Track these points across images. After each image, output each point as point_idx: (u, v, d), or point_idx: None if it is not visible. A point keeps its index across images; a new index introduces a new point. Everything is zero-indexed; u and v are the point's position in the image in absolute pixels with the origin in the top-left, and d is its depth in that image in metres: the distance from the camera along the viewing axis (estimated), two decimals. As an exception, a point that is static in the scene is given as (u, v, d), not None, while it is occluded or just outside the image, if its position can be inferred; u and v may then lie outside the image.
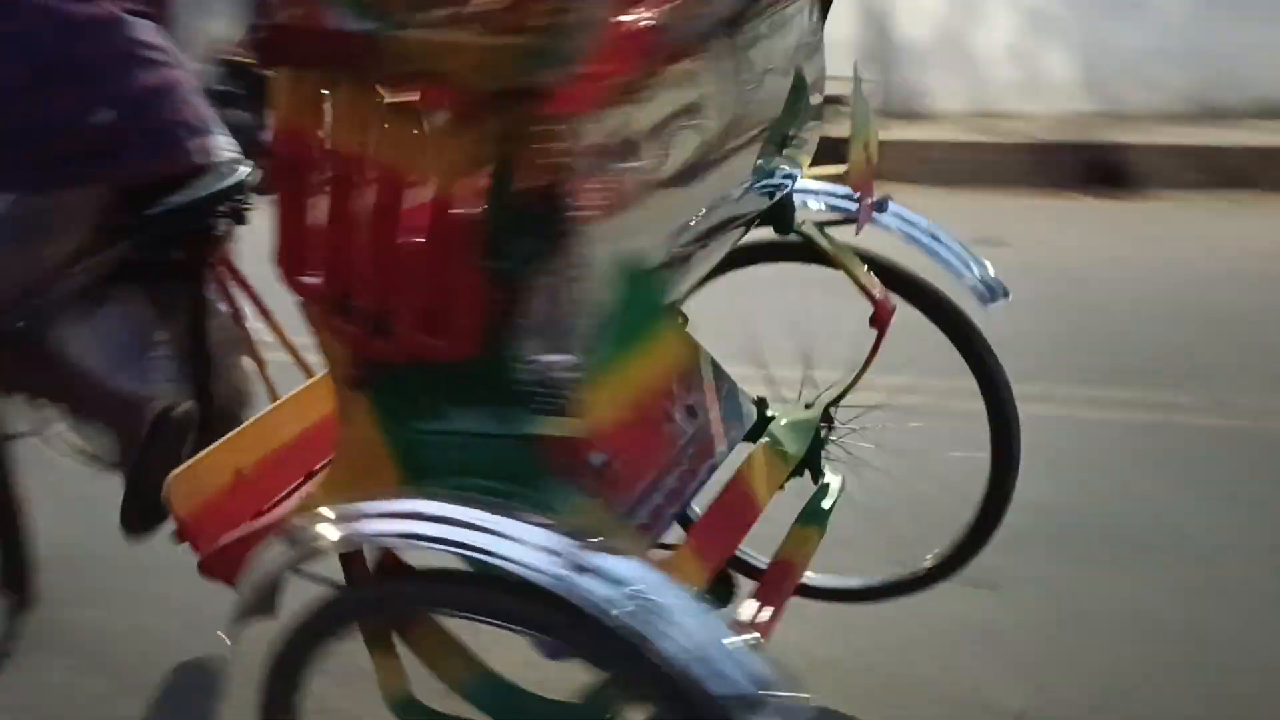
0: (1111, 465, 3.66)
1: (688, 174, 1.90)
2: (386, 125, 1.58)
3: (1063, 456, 3.71)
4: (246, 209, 2.93)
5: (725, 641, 1.43)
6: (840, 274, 2.72)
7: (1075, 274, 6.23)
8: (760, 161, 2.31)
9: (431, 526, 1.54)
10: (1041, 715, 2.79)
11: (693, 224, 2.03)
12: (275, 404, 2.67)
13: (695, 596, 1.54)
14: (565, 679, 1.68)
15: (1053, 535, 3.41)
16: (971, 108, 11.40)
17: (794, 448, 2.60)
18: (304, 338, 1.88)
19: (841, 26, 11.45)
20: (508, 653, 1.84)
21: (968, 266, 2.99)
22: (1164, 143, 9.43)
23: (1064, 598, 3.34)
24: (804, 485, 2.63)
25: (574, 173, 1.51)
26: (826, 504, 2.72)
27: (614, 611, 1.39)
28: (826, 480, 2.79)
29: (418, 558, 1.74)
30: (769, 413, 2.73)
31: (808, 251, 2.78)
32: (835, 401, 2.88)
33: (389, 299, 1.63)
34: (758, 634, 2.07)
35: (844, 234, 2.73)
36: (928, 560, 3.08)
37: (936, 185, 9.42)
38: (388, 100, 1.57)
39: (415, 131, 1.59)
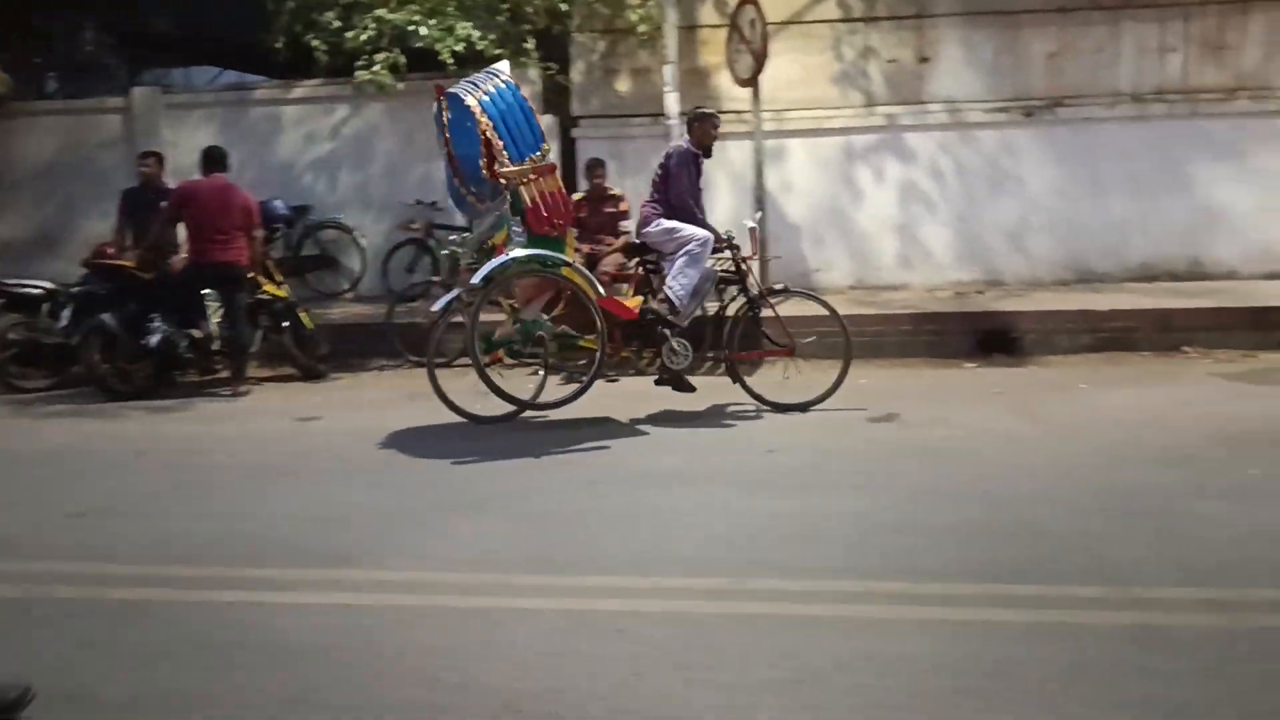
0: (1025, 677, 3.15)
1: None
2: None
3: (963, 664, 3.20)
4: None
5: None
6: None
7: (969, 453, 5.87)
8: None
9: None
10: None
11: None
12: None
13: None
14: None
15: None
16: (856, 281, 11.33)
17: None
18: None
19: (726, 206, 11.43)
20: None
21: None
22: (1044, 309, 9.31)
23: None
24: None
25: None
26: None
27: None
28: None
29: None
30: None
31: None
32: None
33: None
34: None
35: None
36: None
37: (825, 358, 9.14)
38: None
39: None
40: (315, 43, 10.13)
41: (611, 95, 11.38)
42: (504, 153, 6.44)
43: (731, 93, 10.65)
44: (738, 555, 4.29)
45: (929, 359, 9.01)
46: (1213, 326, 8.88)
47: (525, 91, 11.21)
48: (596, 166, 9.16)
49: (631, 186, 10.30)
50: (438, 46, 9.77)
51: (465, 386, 6.95)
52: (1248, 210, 10.56)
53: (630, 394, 7.55)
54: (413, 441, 6.50)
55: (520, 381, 7.33)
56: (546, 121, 11.40)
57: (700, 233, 7.07)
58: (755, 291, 7.24)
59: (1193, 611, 3.63)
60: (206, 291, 8.43)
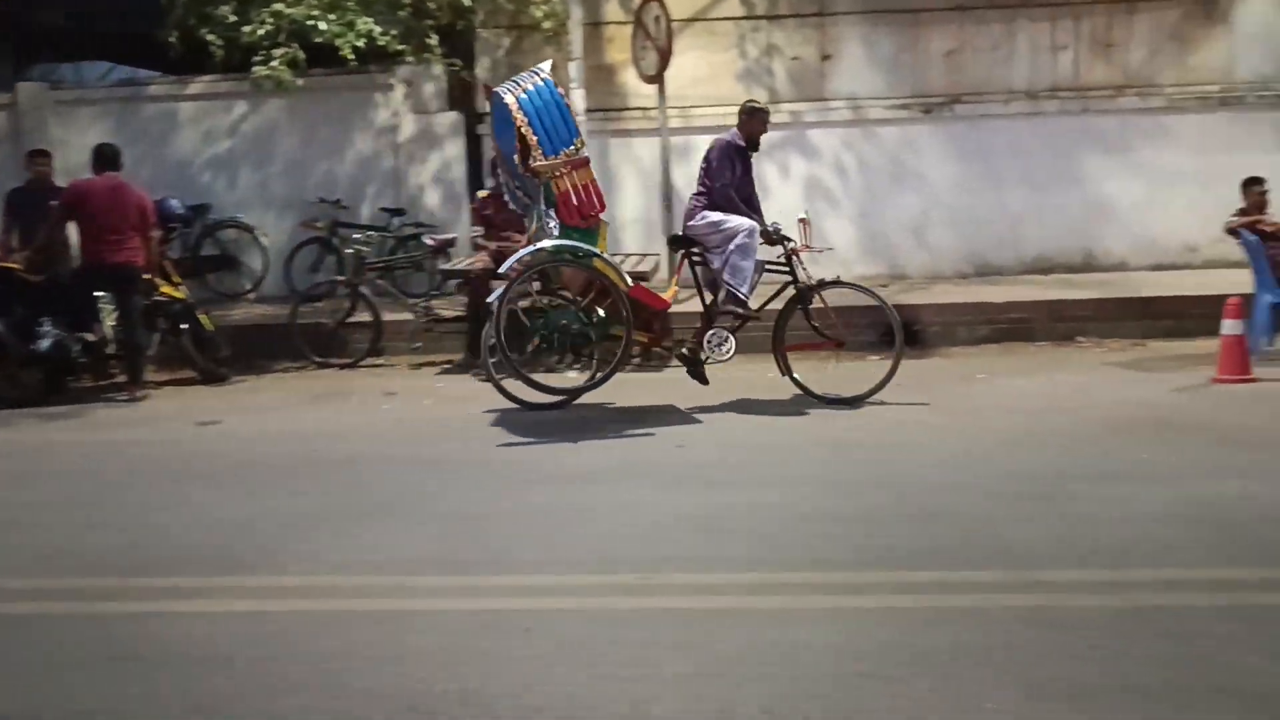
0: (928, 661, 3.21)
1: None
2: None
3: (867, 650, 3.27)
4: None
5: None
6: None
7: (876, 443, 5.97)
8: None
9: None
10: None
11: None
12: None
13: None
14: None
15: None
16: (762, 276, 11.43)
17: None
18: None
19: (635, 203, 11.45)
20: None
21: None
22: (945, 302, 9.52)
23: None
24: None
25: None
26: None
27: None
28: None
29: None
30: None
31: None
32: None
33: None
34: None
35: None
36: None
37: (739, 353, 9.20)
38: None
39: None
40: (210, 37, 9.87)
41: (517, 92, 11.31)
42: (538, 147, 6.63)
43: (637, 89, 10.69)
44: (648, 551, 4.30)
45: (836, 352, 9.11)
46: (1104, 316, 9.18)
47: (428, 88, 11.28)
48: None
49: (539, 183, 10.27)
50: (338, 42, 9.60)
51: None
52: (1136, 204, 10.93)
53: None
54: (317, 444, 6.38)
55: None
56: (451, 118, 11.34)
57: (746, 222, 7.03)
58: (804, 283, 7.17)
59: (1087, 592, 3.74)
60: (100, 294, 8.15)
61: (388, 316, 9.14)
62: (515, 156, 6.88)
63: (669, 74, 9.92)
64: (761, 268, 7.13)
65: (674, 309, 7.46)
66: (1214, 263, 9.98)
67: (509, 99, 6.70)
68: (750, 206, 7.26)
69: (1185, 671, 3.11)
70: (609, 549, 4.34)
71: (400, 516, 4.90)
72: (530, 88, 6.75)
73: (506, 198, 7.90)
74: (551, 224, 6.78)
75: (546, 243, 6.77)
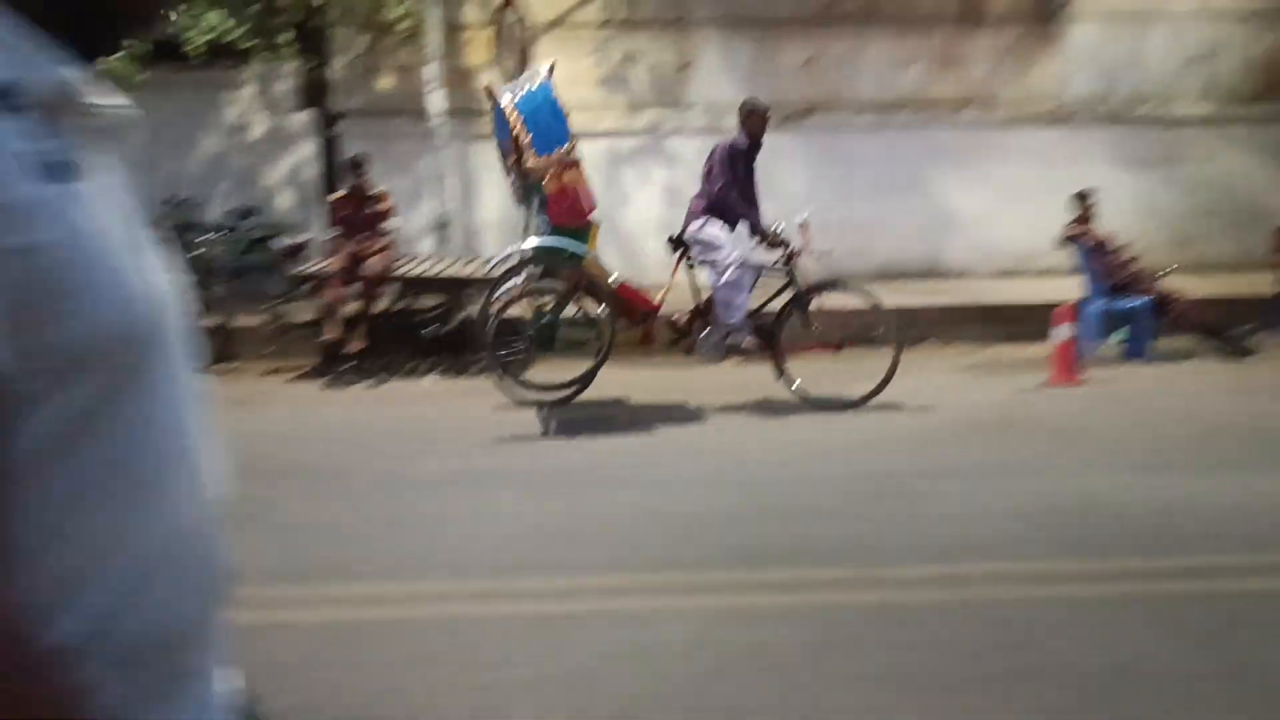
0: (776, 658, 3.29)
1: None
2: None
3: (718, 650, 3.34)
4: None
5: None
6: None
7: (732, 444, 6.09)
8: None
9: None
10: None
11: None
12: None
13: None
14: None
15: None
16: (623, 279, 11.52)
17: None
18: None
19: (496, 207, 11.38)
20: None
21: None
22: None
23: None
24: None
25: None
26: None
27: None
28: None
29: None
30: None
31: None
32: None
33: None
34: None
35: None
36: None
37: (580, 357, 9.25)
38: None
39: None
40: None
41: (374, 92, 11.12)
42: (531, 147, 6.77)
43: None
44: (503, 556, 4.28)
45: (694, 357, 9.24)
46: (949, 322, 9.54)
47: (280, 87, 10.98)
48: (358, 165, 8.91)
49: (398, 186, 10.11)
50: (185, 36, 9.27)
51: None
52: (978, 214, 11.41)
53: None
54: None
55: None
56: (304, 118, 11.07)
57: (736, 255, 7.05)
58: (802, 286, 7.21)
59: (928, 588, 3.89)
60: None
61: (237, 321, 8.85)
62: (510, 155, 7.07)
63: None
64: (760, 271, 7.25)
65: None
66: (1051, 271, 10.48)
67: (505, 100, 6.88)
68: (751, 206, 7.31)
69: (1013, 659, 3.26)
70: (462, 555, 4.30)
71: (244, 526, 4.74)
72: (526, 89, 6.93)
73: (514, 197, 7.92)
74: (541, 222, 6.97)
75: (532, 240, 6.93)
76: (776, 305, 7.29)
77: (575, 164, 6.96)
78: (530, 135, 6.77)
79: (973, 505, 4.79)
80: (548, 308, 7.15)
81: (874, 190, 11.39)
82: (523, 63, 9.71)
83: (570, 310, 7.13)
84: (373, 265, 8.33)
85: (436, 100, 9.90)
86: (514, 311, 7.11)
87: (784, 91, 11.42)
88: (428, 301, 8.96)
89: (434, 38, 10.00)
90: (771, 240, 7.18)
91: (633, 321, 7.27)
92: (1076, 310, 7.92)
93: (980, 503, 4.82)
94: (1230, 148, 11.22)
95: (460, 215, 11.30)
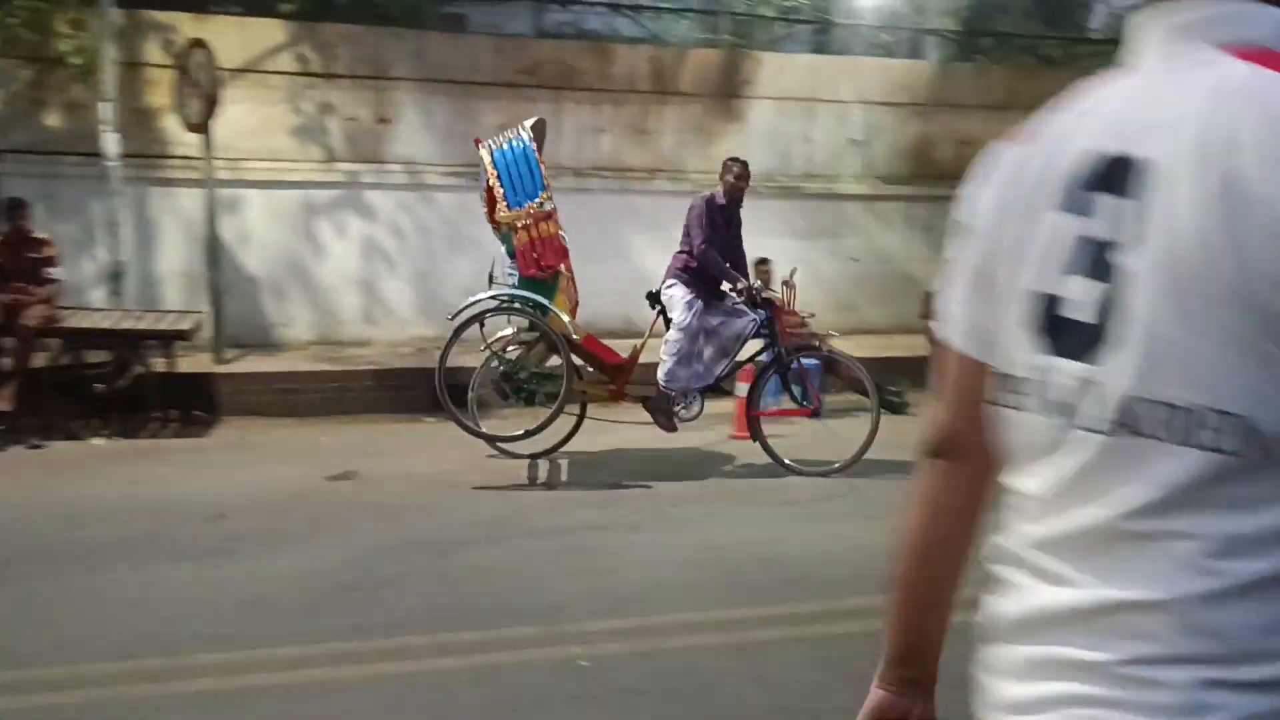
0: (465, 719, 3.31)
1: None
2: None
3: (406, 717, 3.32)
4: None
5: None
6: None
7: (422, 505, 6.04)
8: None
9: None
10: None
11: None
12: None
13: None
14: None
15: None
16: (319, 336, 11.20)
17: None
18: None
19: (178, 257, 10.76)
20: None
21: None
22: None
23: None
24: None
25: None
26: None
27: None
28: None
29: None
30: None
31: None
32: None
33: None
34: None
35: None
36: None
37: (287, 416, 8.92)
38: None
39: None
40: None
41: (41, 129, 10.27)
42: (503, 199, 6.86)
43: (182, 137, 10.10)
44: (177, 631, 4.03)
45: (392, 414, 9.11)
46: (642, 379, 9.89)
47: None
48: (18, 207, 8.18)
49: (65, 231, 9.39)
50: None
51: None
52: (669, 276, 11.97)
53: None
54: None
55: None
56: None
57: (682, 318, 6.88)
58: (782, 349, 6.98)
59: (614, 640, 4.01)
60: None
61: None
62: (484, 208, 7.15)
63: (217, 124, 9.48)
64: (744, 335, 7.00)
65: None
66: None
67: (483, 154, 7.01)
68: (735, 268, 7.09)
69: (694, 704, 3.43)
70: (132, 632, 4.01)
71: None
72: (505, 144, 7.02)
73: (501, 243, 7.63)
74: (510, 274, 7.07)
75: (491, 291, 7.09)
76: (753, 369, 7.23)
77: (548, 216, 7.00)
78: (503, 188, 6.89)
79: (654, 556, 4.99)
80: (512, 357, 7.13)
81: (572, 250, 11.69)
82: (210, 107, 9.29)
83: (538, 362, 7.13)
84: (31, 316, 7.64)
85: (111, 141, 9.27)
86: (467, 360, 7.21)
87: (483, 152, 11.58)
88: (98, 357, 8.33)
89: (110, 75, 9.39)
90: (751, 299, 7.00)
91: (605, 374, 7.27)
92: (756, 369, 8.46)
93: (663, 554, 5.03)
94: (884, 223, 12.44)
95: (137, 264, 10.60)
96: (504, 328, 7.36)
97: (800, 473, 6.72)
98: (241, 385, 9.07)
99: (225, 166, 10.31)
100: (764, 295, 7.02)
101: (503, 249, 7.27)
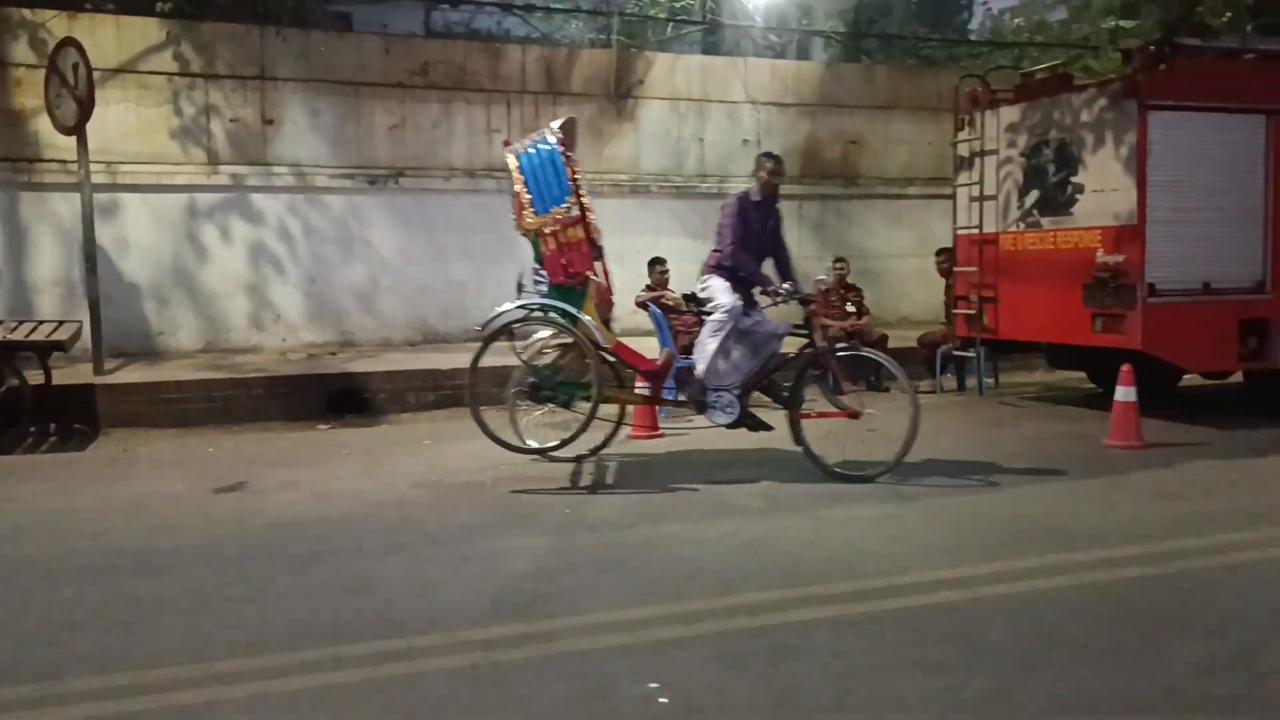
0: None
1: None
2: None
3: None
4: None
5: None
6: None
7: (315, 515, 5.88)
8: None
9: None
10: None
11: None
12: None
13: None
14: None
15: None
16: (206, 344, 10.86)
17: None
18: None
19: (53, 264, 10.31)
20: None
21: None
22: (394, 369, 9.66)
23: None
24: None
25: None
26: None
27: None
28: None
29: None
30: None
31: None
32: None
33: None
34: None
35: None
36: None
37: (172, 427, 8.63)
38: None
39: None
40: None
41: (-101, 132, 9.76)
42: (530, 205, 6.64)
43: (55, 140, 9.70)
44: (54, 654, 3.84)
45: (284, 422, 8.89)
46: (539, 380, 9.83)
47: None
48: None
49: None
50: None
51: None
52: (565, 277, 11.91)
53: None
54: None
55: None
56: None
57: (727, 299, 6.54)
58: (821, 349, 6.60)
59: (510, 646, 3.95)
60: None
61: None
62: (512, 213, 6.86)
63: (92, 126, 9.11)
64: (778, 334, 6.66)
65: None
66: (630, 331, 11.15)
67: (510, 159, 6.81)
68: (778, 263, 6.83)
69: (590, 708, 3.40)
70: (6, 655, 3.81)
71: None
72: (532, 148, 6.79)
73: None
74: (539, 281, 6.82)
75: (520, 301, 6.86)
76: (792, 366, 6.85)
77: (575, 221, 6.67)
78: (530, 194, 6.66)
79: (549, 560, 4.94)
80: (544, 364, 6.86)
81: (467, 252, 11.58)
82: (84, 109, 8.92)
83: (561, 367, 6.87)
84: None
85: (-22, 146, 8.85)
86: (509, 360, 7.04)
87: (373, 154, 11.39)
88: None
89: (-25, 76, 8.96)
90: (781, 299, 6.64)
91: (642, 379, 7.07)
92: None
93: (558, 558, 4.99)
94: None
95: (8, 273, 10.15)
96: (539, 329, 7.04)
97: (846, 478, 6.39)
98: (123, 396, 8.75)
99: (102, 170, 9.95)
100: (801, 293, 6.64)
101: (531, 256, 7.02)
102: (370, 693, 3.54)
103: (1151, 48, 8.42)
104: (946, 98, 10.37)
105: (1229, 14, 10.48)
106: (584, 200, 6.96)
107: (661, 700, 3.45)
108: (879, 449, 6.52)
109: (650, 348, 7.24)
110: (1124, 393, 7.43)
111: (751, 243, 6.69)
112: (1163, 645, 3.89)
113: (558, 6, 15.08)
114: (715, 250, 6.80)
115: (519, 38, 15.41)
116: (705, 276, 6.81)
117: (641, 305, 9.33)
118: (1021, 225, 9.15)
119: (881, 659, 3.77)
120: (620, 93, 12.34)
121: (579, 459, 7.01)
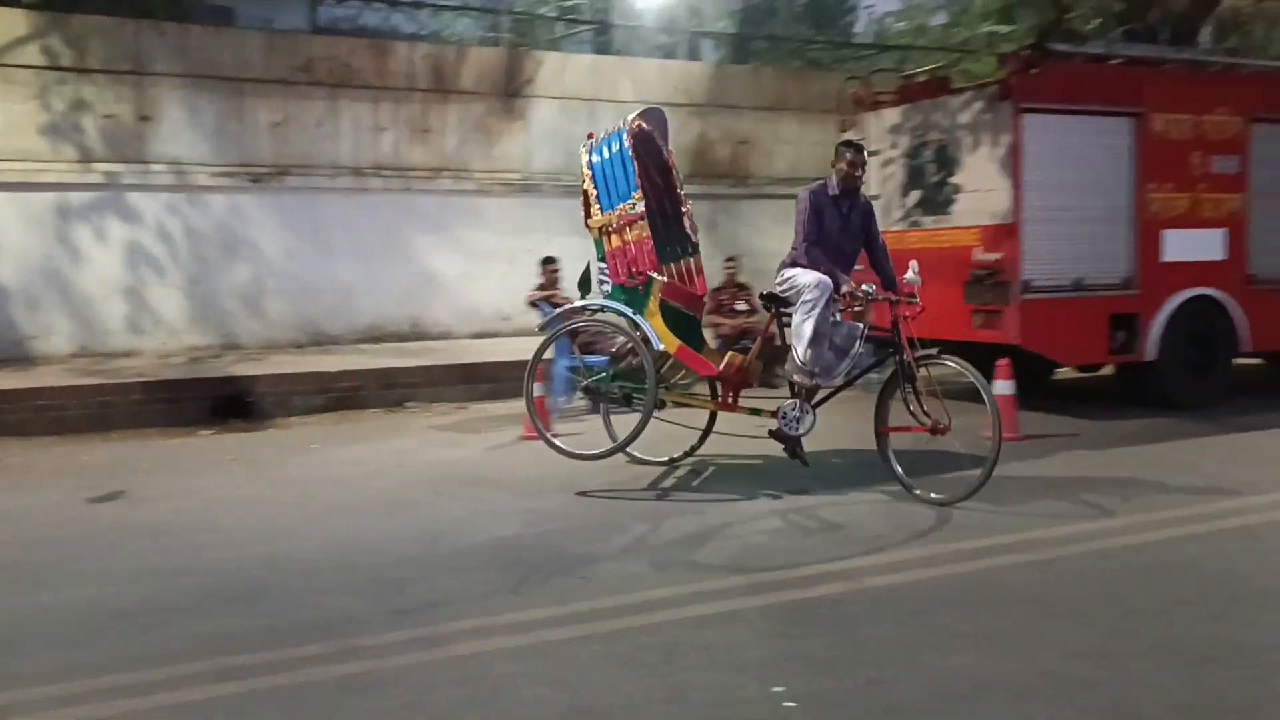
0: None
1: None
2: None
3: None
4: None
5: None
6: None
7: (200, 524, 5.70)
8: None
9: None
10: None
11: None
12: None
13: None
14: None
15: None
16: (80, 348, 10.45)
17: None
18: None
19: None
20: None
21: None
22: (280, 372, 9.44)
23: None
24: None
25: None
26: None
27: None
28: None
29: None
30: None
31: None
32: None
33: None
34: None
35: None
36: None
37: (45, 435, 8.28)
38: None
39: None
40: None
41: None
42: (596, 202, 6.43)
43: (-88, 136, 9.23)
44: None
45: (163, 428, 8.61)
46: (431, 382, 9.75)
47: None
48: None
49: None
50: None
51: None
52: (457, 277, 11.83)
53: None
54: None
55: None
56: None
57: (810, 277, 6.00)
58: (908, 355, 5.88)
59: (403, 652, 3.89)
60: None
61: None
62: (581, 211, 6.65)
63: (-47, 122, 8.69)
64: (860, 334, 6.16)
65: None
66: (523, 331, 11.11)
67: (582, 154, 6.61)
68: (874, 265, 6.35)
69: (486, 710, 3.37)
70: None
71: None
72: (603, 142, 6.56)
73: None
74: (605, 279, 6.51)
75: (583, 302, 6.65)
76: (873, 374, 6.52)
77: (637, 219, 6.29)
78: (596, 190, 6.44)
79: (434, 564, 4.89)
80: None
81: (355, 252, 11.38)
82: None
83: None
84: None
85: None
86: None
87: (256, 151, 11.11)
88: None
89: None
90: (857, 304, 6.07)
91: (715, 385, 6.70)
92: (546, 369, 8.44)
93: (430, 561, 4.92)
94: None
95: None
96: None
97: (929, 501, 5.81)
98: (-8, 404, 8.36)
99: (-35, 168, 9.50)
100: (869, 298, 6.03)
101: (595, 254, 6.74)
102: (258, 704, 3.45)
103: (1025, 52, 8.69)
104: (832, 99, 10.58)
105: (1099, 21, 10.93)
106: (681, 197, 6.89)
107: (553, 701, 3.45)
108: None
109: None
110: (1002, 386, 7.66)
111: (829, 240, 6.15)
112: (1038, 631, 4.02)
113: (446, 4, 14.91)
114: (793, 248, 6.28)
115: (407, 35, 15.20)
116: (781, 271, 6.29)
117: (533, 304, 9.29)
118: (904, 224, 9.38)
119: (770, 652, 3.82)
120: (510, 91, 12.27)
121: (669, 462, 6.83)
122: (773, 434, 6.24)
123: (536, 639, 3.98)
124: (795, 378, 6.11)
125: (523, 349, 9.86)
